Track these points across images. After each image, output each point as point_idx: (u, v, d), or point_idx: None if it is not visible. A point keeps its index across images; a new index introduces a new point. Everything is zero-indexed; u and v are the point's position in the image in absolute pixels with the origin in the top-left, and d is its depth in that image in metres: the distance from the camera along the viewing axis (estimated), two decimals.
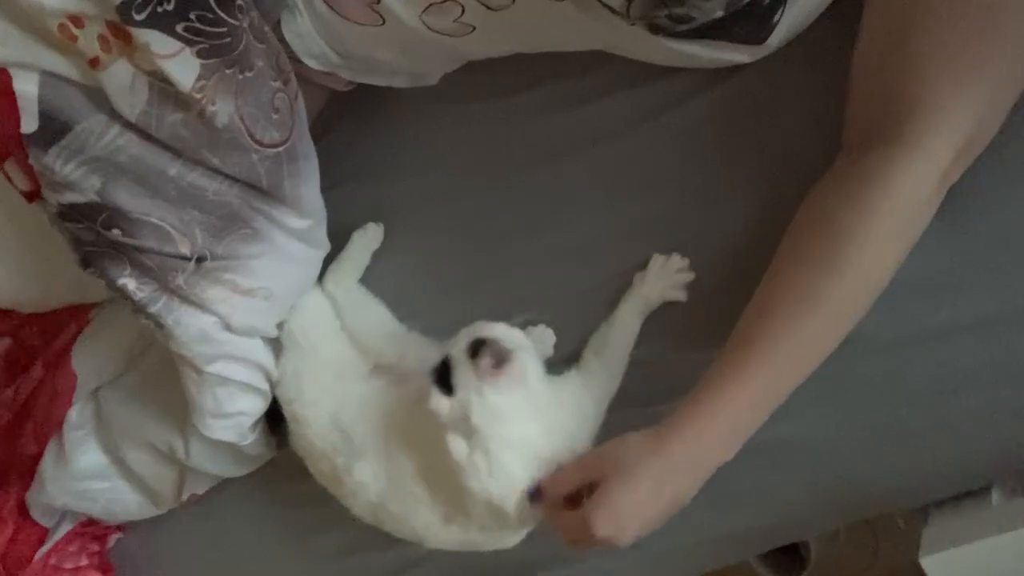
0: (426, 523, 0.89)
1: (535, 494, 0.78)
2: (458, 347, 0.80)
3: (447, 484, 0.83)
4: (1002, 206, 0.80)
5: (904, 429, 0.87)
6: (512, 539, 0.90)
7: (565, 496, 0.76)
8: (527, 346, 0.82)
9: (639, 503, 0.72)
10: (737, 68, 0.86)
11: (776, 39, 0.79)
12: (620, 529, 0.72)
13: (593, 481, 0.74)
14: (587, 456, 0.78)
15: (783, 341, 0.73)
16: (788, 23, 0.78)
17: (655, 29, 0.76)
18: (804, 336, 0.73)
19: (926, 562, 0.85)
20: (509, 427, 0.78)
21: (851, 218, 0.71)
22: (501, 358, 0.79)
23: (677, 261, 0.90)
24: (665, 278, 0.90)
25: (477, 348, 0.79)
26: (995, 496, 0.91)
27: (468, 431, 0.78)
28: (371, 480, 0.91)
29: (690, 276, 0.90)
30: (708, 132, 0.90)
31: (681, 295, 0.90)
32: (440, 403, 0.79)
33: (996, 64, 0.67)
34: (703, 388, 0.74)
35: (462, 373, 0.79)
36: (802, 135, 0.84)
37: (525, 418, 0.79)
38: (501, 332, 0.81)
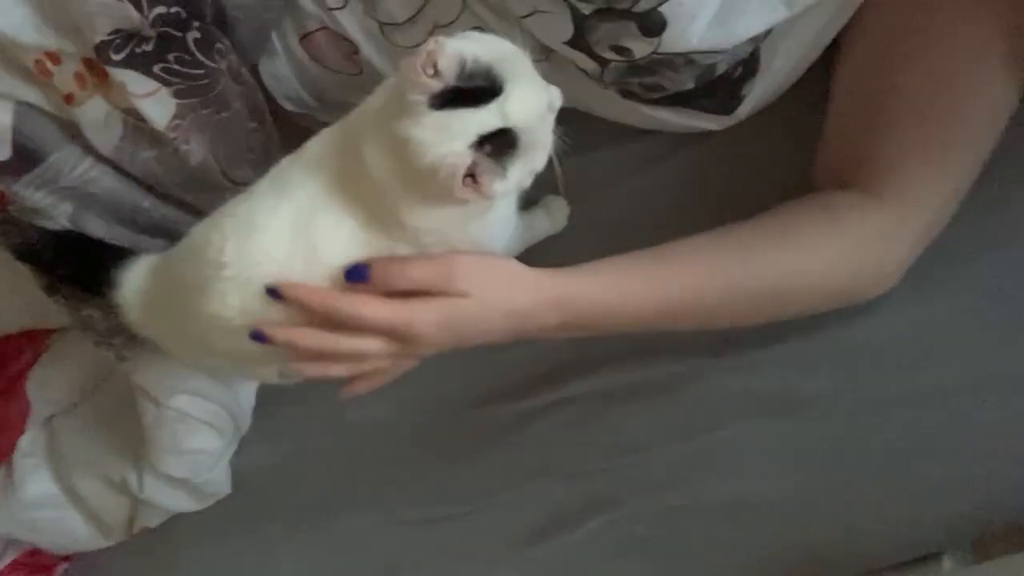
0: None
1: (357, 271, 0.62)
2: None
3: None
4: (967, 277, 0.82)
5: (861, 493, 0.87)
6: None
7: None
8: None
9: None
10: (710, 132, 0.87)
11: (745, 110, 0.81)
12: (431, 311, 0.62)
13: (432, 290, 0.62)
14: (447, 258, 0.63)
15: (686, 259, 0.71)
16: (757, 95, 0.80)
17: (627, 94, 0.78)
18: (710, 264, 0.71)
19: None
20: None
21: (820, 218, 0.72)
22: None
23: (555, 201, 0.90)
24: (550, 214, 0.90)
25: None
26: (946, 563, 0.92)
27: None
28: None
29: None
30: (682, 191, 0.91)
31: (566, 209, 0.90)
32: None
33: (957, 158, 0.70)
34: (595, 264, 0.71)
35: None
36: (773, 197, 0.85)
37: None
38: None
